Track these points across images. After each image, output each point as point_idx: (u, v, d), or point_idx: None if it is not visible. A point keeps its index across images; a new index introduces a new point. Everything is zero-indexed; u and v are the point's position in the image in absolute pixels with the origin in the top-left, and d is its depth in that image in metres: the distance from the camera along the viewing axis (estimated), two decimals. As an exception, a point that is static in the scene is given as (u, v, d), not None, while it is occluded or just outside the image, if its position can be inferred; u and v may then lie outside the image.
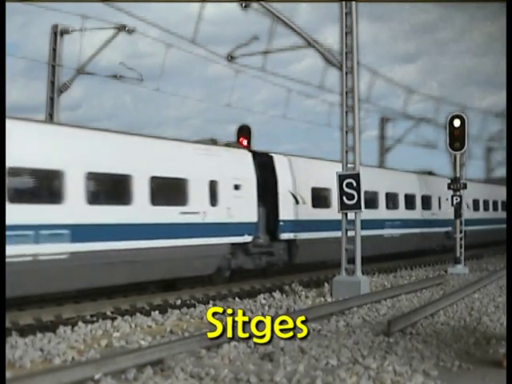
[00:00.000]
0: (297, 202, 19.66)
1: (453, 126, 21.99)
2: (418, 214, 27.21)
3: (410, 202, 26.64)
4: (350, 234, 15.59)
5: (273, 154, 19.96)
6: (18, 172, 12.68)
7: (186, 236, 15.97)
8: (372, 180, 21.90)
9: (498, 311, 12.81)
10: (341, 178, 15.69)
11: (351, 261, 15.75)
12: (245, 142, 26.21)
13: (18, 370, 8.33)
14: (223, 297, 16.24)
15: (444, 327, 11.22)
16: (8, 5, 9.31)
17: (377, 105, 30.19)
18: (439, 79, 72.77)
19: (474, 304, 13.91)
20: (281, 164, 19.75)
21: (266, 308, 13.78)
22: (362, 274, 16.11)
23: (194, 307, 14.03)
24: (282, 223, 19.06)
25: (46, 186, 13.70)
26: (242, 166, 18.11)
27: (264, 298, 15.19)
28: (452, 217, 22.59)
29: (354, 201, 15.58)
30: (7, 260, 10.13)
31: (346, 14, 15.68)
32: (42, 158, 13.17)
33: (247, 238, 17.99)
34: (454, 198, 22.61)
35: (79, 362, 8.67)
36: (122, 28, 20.58)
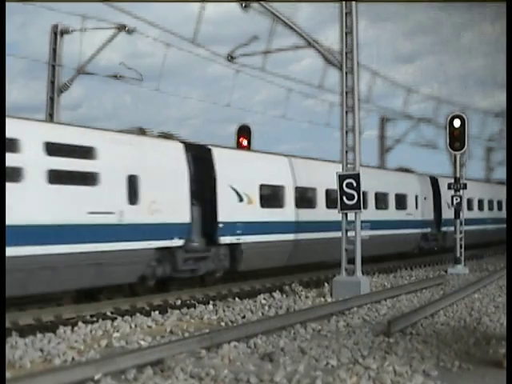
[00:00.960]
0: (448, 206, 27.56)
1: (453, 126, 22.02)
2: (497, 213, 37.14)
3: (499, 204, 37.74)
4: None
5: (439, 177, 30.01)
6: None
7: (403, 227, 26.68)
8: (493, 193, 36.65)
9: (498, 311, 12.82)
10: (341, 178, 15.68)
11: (351, 261, 15.76)
12: (245, 142, 26.28)
13: (18, 370, 8.33)
14: (223, 297, 16.24)
15: (444, 327, 11.23)
16: (8, 5, 9.32)
17: (377, 105, 30.14)
18: (439, 79, 72.74)
19: (474, 304, 13.91)
20: (443, 183, 28.36)
21: (266, 308, 13.77)
22: (362, 274, 16.12)
23: (194, 307, 14.02)
24: (443, 220, 30.01)
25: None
26: (426, 185, 29.30)
27: (264, 298, 15.19)
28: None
29: (354, 201, 15.58)
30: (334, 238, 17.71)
31: (346, 13, 15.69)
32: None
33: (427, 230, 28.93)
34: (455, 198, 22.71)
35: (79, 362, 8.67)
36: (121, 28, 20.53)
